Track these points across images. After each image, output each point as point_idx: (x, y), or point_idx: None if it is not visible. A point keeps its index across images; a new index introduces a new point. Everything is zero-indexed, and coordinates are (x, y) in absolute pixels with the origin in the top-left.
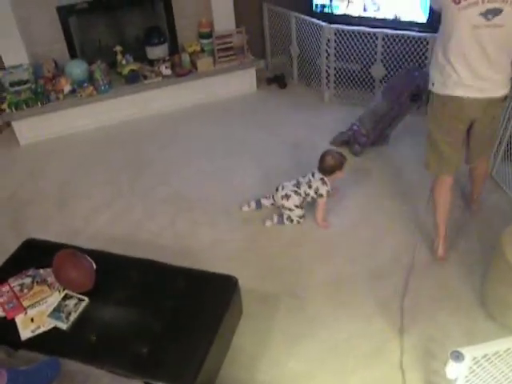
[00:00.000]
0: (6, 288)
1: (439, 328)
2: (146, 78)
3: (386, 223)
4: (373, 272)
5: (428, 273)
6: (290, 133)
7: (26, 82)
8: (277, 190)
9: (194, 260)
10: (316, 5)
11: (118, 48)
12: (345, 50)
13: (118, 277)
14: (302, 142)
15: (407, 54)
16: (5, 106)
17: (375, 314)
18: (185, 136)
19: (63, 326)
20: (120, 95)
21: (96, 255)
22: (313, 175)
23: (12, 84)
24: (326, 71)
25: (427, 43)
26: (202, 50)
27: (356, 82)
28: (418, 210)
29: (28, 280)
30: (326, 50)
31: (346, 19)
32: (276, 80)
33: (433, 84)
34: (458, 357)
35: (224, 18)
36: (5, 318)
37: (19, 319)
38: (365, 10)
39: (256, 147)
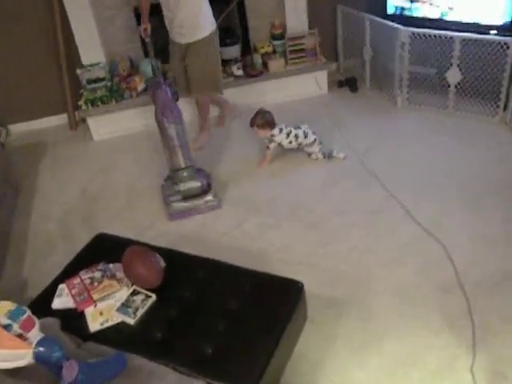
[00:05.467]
0: (77, 280)
1: (511, 348)
2: None
3: (455, 237)
4: (442, 285)
5: (500, 289)
6: (361, 137)
7: (102, 80)
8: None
9: (261, 262)
10: (396, 7)
11: None
12: (420, 53)
13: (184, 275)
14: (373, 147)
15: (485, 58)
16: (81, 102)
17: (444, 329)
18: (256, 136)
19: (130, 321)
20: None
21: (164, 253)
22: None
23: (89, 81)
24: (400, 75)
25: (507, 47)
26: (274, 51)
27: (430, 87)
28: (490, 224)
29: (98, 274)
30: (401, 54)
31: (421, 22)
32: (347, 83)
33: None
34: None
35: (297, 19)
36: (75, 309)
37: (88, 312)
38: (442, 12)
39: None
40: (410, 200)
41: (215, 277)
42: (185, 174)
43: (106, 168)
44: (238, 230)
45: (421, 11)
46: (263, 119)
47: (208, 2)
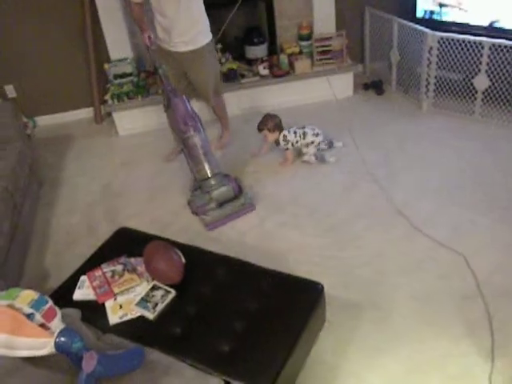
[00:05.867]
0: (98, 273)
1: None
2: (243, 76)
3: (477, 244)
4: (462, 291)
5: None
6: (385, 139)
7: (128, 75)
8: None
9: (279, 262)
10: (425, 11)
11: (218, 46)
12: (447, 58)
13: (204, 272)
14: (397, 150)
15: None
16: (107, 96)
17: (463, 336)
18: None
19: (149, 315)
20: None
21: (185, 249)
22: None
23: (116, 76)
24: (426, 79)
25: None
26: (301, 52)
27: (457, 92)
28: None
29: (119, 267)
30: (428, 58)
31: (450, 26)
32: (373, 86)
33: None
34: None
35: (325, 20)
36: (96, 301)
37: (109, 304)
38: (473, 17)
39: (348, 153)
40: (432, 205)
41: (235, 275)
42: (213, 181)
43: (129, 163)
44: (259, 229)
45: (450, 15)
46: (273, 122)
47: (205, 11)
